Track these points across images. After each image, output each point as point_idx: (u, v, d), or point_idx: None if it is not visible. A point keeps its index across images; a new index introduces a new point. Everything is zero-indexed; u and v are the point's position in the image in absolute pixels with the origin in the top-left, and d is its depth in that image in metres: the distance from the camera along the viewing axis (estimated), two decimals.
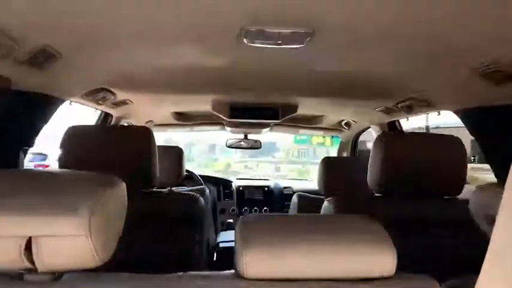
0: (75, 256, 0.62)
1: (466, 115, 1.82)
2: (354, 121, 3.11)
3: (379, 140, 1.53)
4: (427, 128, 2.60)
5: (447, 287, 0.91)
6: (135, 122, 3.19)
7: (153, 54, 1.60)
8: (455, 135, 1.57)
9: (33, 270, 0.63)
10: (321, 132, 3.57)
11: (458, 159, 1.50)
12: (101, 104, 2.18)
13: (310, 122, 3.28)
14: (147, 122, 3.27)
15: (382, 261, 0.72)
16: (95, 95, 1.96)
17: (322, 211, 1.63)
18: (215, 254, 2.70)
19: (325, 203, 1.61)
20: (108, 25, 1.25)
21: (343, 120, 3.19)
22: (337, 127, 3.38)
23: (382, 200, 1.55)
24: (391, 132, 2.57)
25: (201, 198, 1.57)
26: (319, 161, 2.41)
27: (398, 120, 2.69)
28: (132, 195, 1.48)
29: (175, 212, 1.49)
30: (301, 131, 3.51)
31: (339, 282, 0.71)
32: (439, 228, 1.49)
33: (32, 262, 0.61)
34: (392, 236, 0.89)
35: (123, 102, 2.35)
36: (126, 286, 0.69)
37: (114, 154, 1.45)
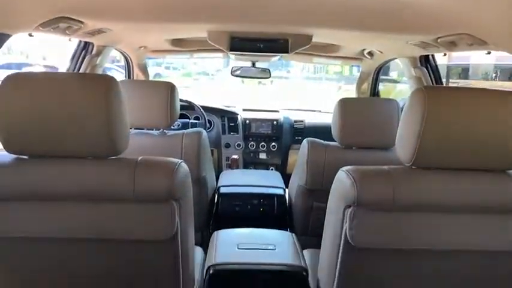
0: None
1: None
2: (379, 51, 2.65)
3: (417, 96, 1.14)
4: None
5: None
6: (126, 49, 2.79)
7: None
8: None
9: None
10: (339, 62, 3.11)
11: None
12: (69, 34, 1.78)
13: (326, 50, 2.82)
14: (140, 47, 2.86)
15: None
16: (55, 25, 1.55)
17: (337, 182, 1.31)
18: (216, 197, 2.46)
19: (341, 173, 1.28)
20: None
21: (365, 49, 2.72)
22: (357, 56, 2.91)
23: (420, 176, 1.20)
24: (433, 86, 2.12)
25: (183, 168, 1.24)
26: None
27: (433, 55, 2.24)
28: (93, 165, 1.17)
29: (149, 188, 1.17)
30: (316, 59, 3.06)
31: None
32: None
33: None
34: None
35: (100, 31, 1.94)
36: None
37: (67, 112, 1.09)
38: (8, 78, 1.10)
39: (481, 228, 1.19)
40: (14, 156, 1.16)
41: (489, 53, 1.66)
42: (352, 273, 1.27)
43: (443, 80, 2.60)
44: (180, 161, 1.25)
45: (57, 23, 1.54)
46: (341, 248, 1.25)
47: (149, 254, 1.23)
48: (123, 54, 2.92)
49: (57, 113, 1.09)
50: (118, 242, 1.20)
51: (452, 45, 1.74)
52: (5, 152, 1.15)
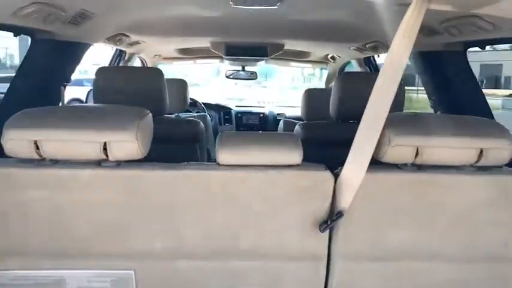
0: (129, 152, 1.12)
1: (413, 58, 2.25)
2: (338, 56, 3.53)
3: (338, 79, 1.99)
4: None
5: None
6: (145, 56, 3.63)
7: (157, 7, 2.01)
8: None
9: (106, 160, 1.13)
10: (310, 65, 3.98)
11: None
12: (118, 45, 2.62)
13: (300, 56, 3.70)
14: (155, 56, 3.70)
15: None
16: (114, 38, 2.40)
17: (294, 132, 2.14)
18: None
19: (297, 127, 2.11)
20: None
21: (328, 54, 3.60)
22: (323, 60, 3.80)
23: (338, 126, 2.03)
24: (350, 72, 3.02)
25: (201, 123, 2.07)
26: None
27: (373, 56, 3.11)
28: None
29: (181, 133, 2.00)
30: (292, 63, 3.94)
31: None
32: None
33: (106, 155, 1.11)
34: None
35: (136, 42, 2.79)
36: (154, 167, 1.17)
37: (135, 89, 1.89)
38: (100, 70, 1.92)
39: None
40: None
41: None
42: None
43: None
44: (198, 119, 2.09)
45: (115, 37, 2.39)
46: None
47: None
48: (141, 60, 3.77)
49: (132, 93, 1.88)
50: None
51: (375, 49, 2.61)
52: None
